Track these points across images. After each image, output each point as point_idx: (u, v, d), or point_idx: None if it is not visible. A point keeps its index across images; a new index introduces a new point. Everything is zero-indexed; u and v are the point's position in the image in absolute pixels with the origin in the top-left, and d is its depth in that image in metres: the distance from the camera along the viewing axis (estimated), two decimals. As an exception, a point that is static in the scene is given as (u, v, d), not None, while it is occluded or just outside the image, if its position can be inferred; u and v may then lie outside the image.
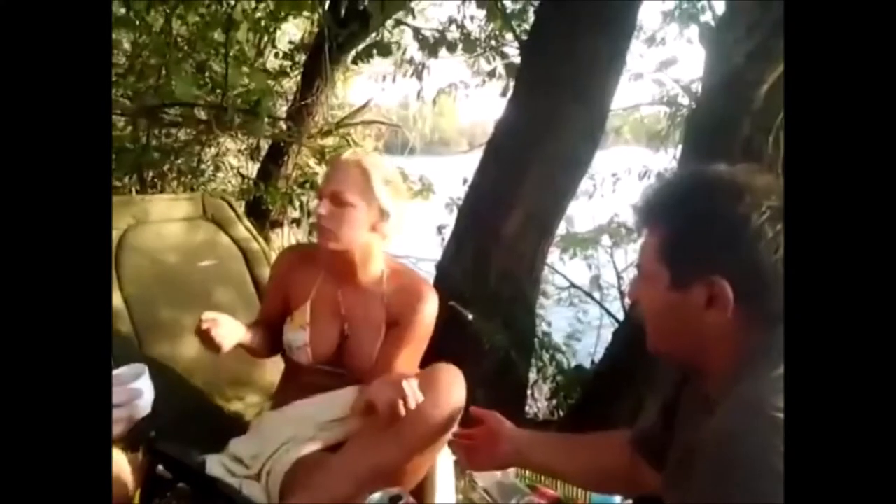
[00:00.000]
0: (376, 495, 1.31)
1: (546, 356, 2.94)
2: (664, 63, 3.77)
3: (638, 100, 4.16)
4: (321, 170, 4.27)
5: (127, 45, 4.19)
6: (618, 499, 1.61)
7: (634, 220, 1.02)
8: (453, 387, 1.36)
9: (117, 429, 0.98)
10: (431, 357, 1.58)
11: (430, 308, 1.54)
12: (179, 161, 4.24)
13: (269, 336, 1.56)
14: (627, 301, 3.17)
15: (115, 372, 1.00)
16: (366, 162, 1.47)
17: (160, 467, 1.58)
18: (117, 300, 1.75)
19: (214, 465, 1.41)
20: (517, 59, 3.59)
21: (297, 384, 1.53)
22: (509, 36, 3.90)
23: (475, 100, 5.10)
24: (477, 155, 2.89)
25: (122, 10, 3.75)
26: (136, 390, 1.00)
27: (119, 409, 0.98)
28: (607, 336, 2.84)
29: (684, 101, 3.66)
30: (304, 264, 1.55)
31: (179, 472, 1.56)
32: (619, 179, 3.78)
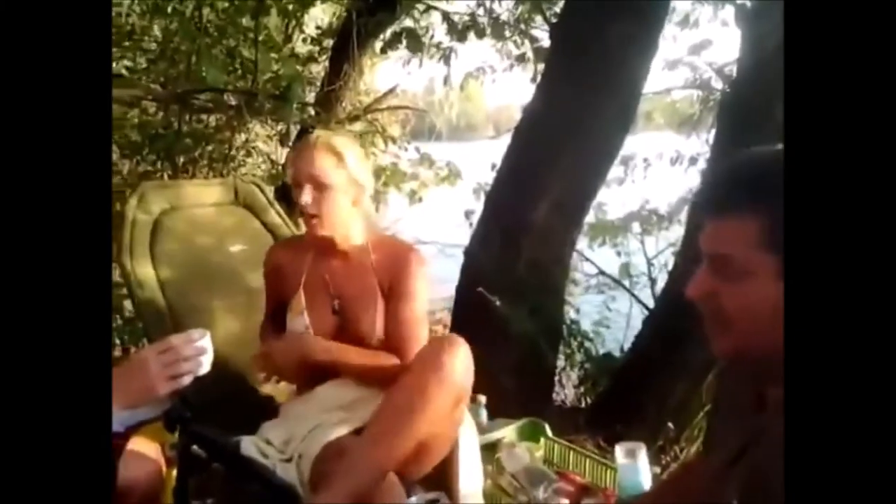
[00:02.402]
0: (413, 499, 1.33)
1: (574, 343, 2.94)
2: (697, 46, 3.68)
3: (669, 83, 4.08)
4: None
5: (158, 32, 4.24)
6: (647, 484, 1.60)
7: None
8: (459, 359, 1.35)
9: (184, 381, 1.10)
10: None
11: (419, 268, 1.58)
12: (210, 147, 4.29)
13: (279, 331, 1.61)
14: (657, 288, 3.14)
15: (185, 332, 1.13)
16: (335, 142, 1.53)
17: (195, 447, 1.61)
18: (152, 283, 1.78)
19: (249, 446, 1.43)
20: (547, 43, 3.55)
21: (317, 369, 1.55)
22: (539, 19, 3.84)
23: (502, 84, 5.05)
24: (504, 141, 2.87)
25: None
26: (201, 347, 1.11)
27: (186, 363, 1.09)
28: (637, 324, 2.82)
29: (717, 84, 3.58)
30: (291, 254, 1.60)
31: (214, 452, 1.59)
32: (651, 165, 3.72)
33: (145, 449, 1.29)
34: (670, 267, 2.89)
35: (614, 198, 3.58)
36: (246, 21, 3.94)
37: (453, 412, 1.40)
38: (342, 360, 1.50)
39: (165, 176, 4.06)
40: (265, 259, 1.65)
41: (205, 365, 1.12)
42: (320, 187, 1.49)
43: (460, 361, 1.35)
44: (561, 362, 2.92)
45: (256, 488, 1.43)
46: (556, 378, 2.88)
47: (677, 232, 3.32)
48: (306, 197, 1.48)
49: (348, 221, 1.55)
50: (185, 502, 1.72)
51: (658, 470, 1.88)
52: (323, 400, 1.50)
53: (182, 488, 1.51)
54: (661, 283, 3.08)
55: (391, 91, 4.66)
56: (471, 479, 1.52)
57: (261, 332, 1.66)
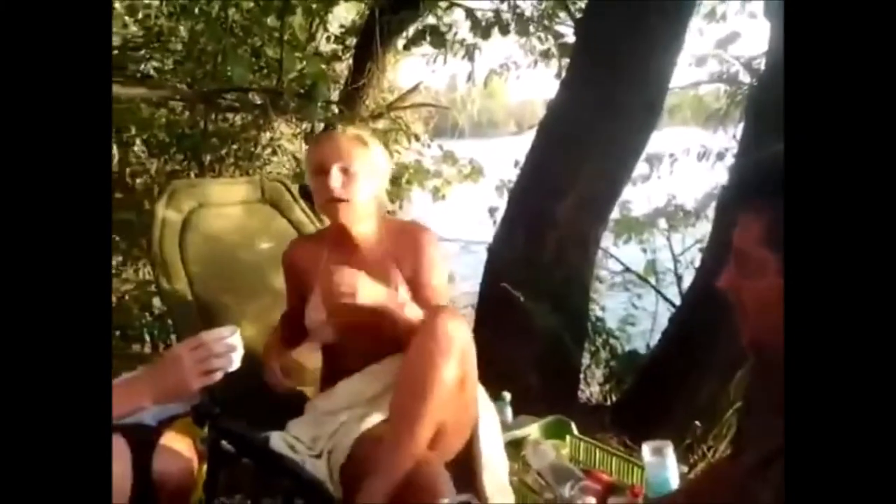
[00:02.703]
0: (445, 501, 1.34)
1: (599, 341, 2.92)
2: (725, 40, 3.63)
3: (696, 78, 4.03)
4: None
5: (184, 33, 4.29)
6: (675, 482, 1.59)
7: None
8: (454, 326, 1.35)
9: (215, 377, 1.14)
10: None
11: (433, 247, 1.61)
12: (236, 146, 4.33)
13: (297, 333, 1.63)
14: (684, 285, 3.10)
15: (216, 329, 1.17)
16: (361, 134, 1.57)
17: (224, 443, 1.64)
18: (182, 280, 1.81)
19: (278, 441, 1.45)
20: (571, 39, 3.53)
21: (337, 365, 1.57)
22: (563, 14, 3.82)
23: (526, 81, 5.03)
24: (527, 137, 2.86)
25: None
26: (231, 345, 1.15)
27: (218, 360, 1.13)
28: (663, 322, 2.79)
29: (745, 78, 3.52)
30: (308, 250, 1.62)
31: (244, 447, 1.61)
32: (677, 160, 3.68)
33: (178, 444, 1.31)
34: (697, 264, 2.86)
35: (640, 194, 3.55)
36: (271, 21, 3.97)
37: (462, 393, 1.39)
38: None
39: (192, 175, 4.11)
40: (284, 255, 1.67)
41: (235, 361, 1.15)
42: (348, 172, 1.50)
43: (457, 330, 1.35)
44: (586, 360, 2.91)
45: (286, 483, 1.45)
46: (581, 376, 2.86)
47: (704, 228, 3.28)
48: (335, 181, 1.49)
49: (370, 210, 1.57)
50: (215, 496, 1.75)
51: (686, 468, 1.86)
52: (347, 395, 1.51)
53: (212, 483, 1.53)
54: (687, 281, 3.04)
55: (414, 88, 4.67)
56: (496, 474, 1.52)
57: (279, 326, 1.69)
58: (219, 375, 1.14)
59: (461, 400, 1.40)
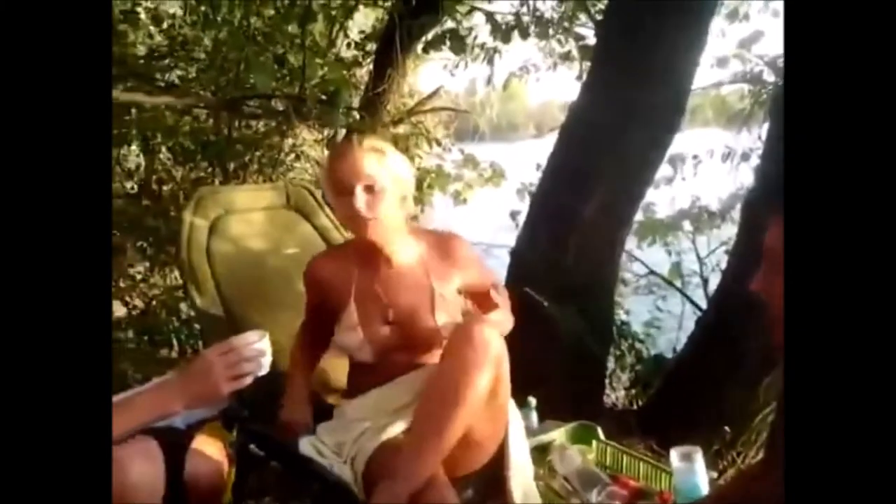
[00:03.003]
0: None
1: (625, 345, 2.89)
2: (748, 39, 3.59)
3: (718, 78, 3.99)
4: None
5: (208, 42, 4.36)
6: (704, 488, 1.57)
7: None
8: (487, 337, 1.33)
9: (245, 382, 1.15)
10: (507, 344, 1.58)
11: (469, 247, 1.62)
12: (259, 152, 4.38)
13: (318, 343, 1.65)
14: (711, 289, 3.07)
15: (245, 334, 1.17)
16: (376, 142, 1.52)
17: (253, 446, 1.65)
18: (209, 285, 1.84)
19: (306, 445, 1.46)
20: (592, 41, 3.51)
21: (366, 373, 1.55)
22: (583, 16, 3.81)
23: (546, 83, 5.02)
24: (548, 140, 2.85)
25: (203, 9, 3.91)
26: (261, 349, 1.16)
27: (248, 364, 1.14)
28: (689, 325, 2.76)
29: (769, 77, 3.47)
30: (336, 267, 1.56)
31: (272, 451, 1.63)
32: (701, 162, 3.64)
33: (208, 448, 1.33)
34: (723, 266, 2.82)
35: (664, 196, 3.52)
36: (292, 28, 4.01)
37: (493, 405, 1.38)
38: None
39: (217, 181, 4.17)
40: (306, 271, 1.60)
41: (265, 365, 1.16)
42: (371, 189, 1.45)
43: (491, 341, 1.33)
44: (611, 364, 2.89)
45: (314, 486, 1.46)
46: (607, 380, 2.84)
47: (729, 230, 3.24)
48: (361, 202, 1.44)
49: (397, 222, 1.53)
50: (244, 499, 1.77)
51: (715, 475, 1.84)
52: (377, 403, 1.50)
53: (240, 485, 1.55)
54: (713, 283, 3.01)
55: (435, 93, 4.68)
56: (523, 480, 1.51)
57: (298, 341, 1.66)
58: (249, 380, 1.15)
59: (493, 408, 1.38)
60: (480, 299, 1.58)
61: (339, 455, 1.43)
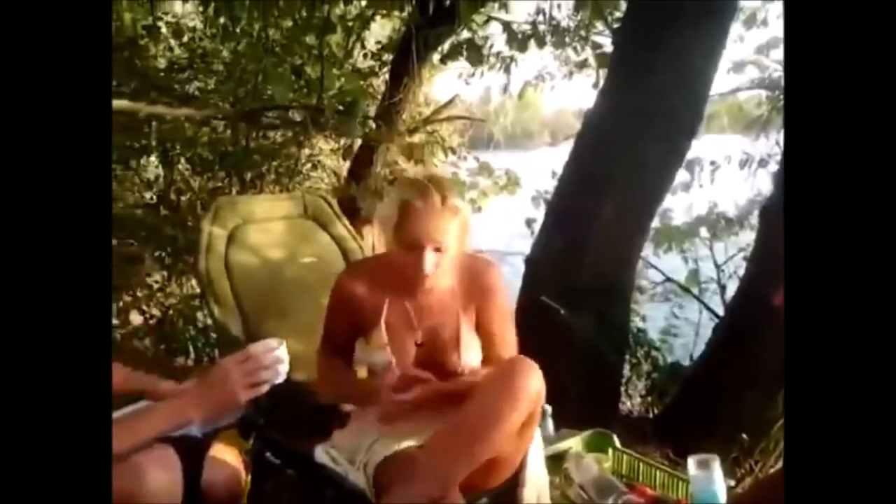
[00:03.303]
0: None
1: (641, 353, 2.88)
2: (765, 45, 3.57)
3: (735, 84, 3.97)
4: (409, 167, 4.34)
5: (227, 54, 4.43)
6: (722, 497, 1.55)
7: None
8: (530, 378, 1.33)
9: (262, 389, 1.15)
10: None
11: (500, 280, 1.56)
12: (276, 162, 4.43)
13: (337, 362, 1.59)
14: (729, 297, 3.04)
15: (262, 341, 1.18)
16: (456, 204, 1.43)
17: (269, 454, 1.67)
18: (227, 294, 1.86)
19: (321, 453, 1.46)
20: (609, 49, 3.51)
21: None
22: (600, 24, 3.81)
23: (561, 92, 5.02)
24: (563, 148, 2.85)
25: (223, 21, 3.97)
26: (278, 357, 1.16)
27: (266, 372, 1.14)
28: (706, 332, 2.74)
29: (787, 83, 3.45)
30: (369, 284, 1.52)
31: (287, 458, 1.64)
32: (718, 168, 3.62)
33: (226, 456, 1.34)
34: (740, 273, 2.80)
35: (681, 203, 3.50)
36: (310, 39, 4.06)
37: (523, 433, 1.39)
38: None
39: (234, 191, 4.21)
40: (337, 286, 1.56)
41: (282, 373, 1.17)
42: (440, 249, 1.42)
43: (533, 384, 1.33)
44: (627, 372, 2.87)
45: (329, 494, 1.46)
46: (623, 388, 2.82)
47: (747, 237, 3.21)
48: (429, 263, 1.41)
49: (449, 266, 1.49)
50: (260, 506, 1.77)
51: (732, 483, 1.82)
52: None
53: (256, 493, 1.56)
54: (730, 290, 2.98)
55: (450, 102, 4.71)
56: (537, 490, 1.50)
57: (323, 359, 1.61)
58: (266, 388, 1.16)
59: (520, 441, 1.40)
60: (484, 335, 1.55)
61: (352, 463, 1.44)
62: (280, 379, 1.17)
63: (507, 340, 1.56)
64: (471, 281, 1.53)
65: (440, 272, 1.46)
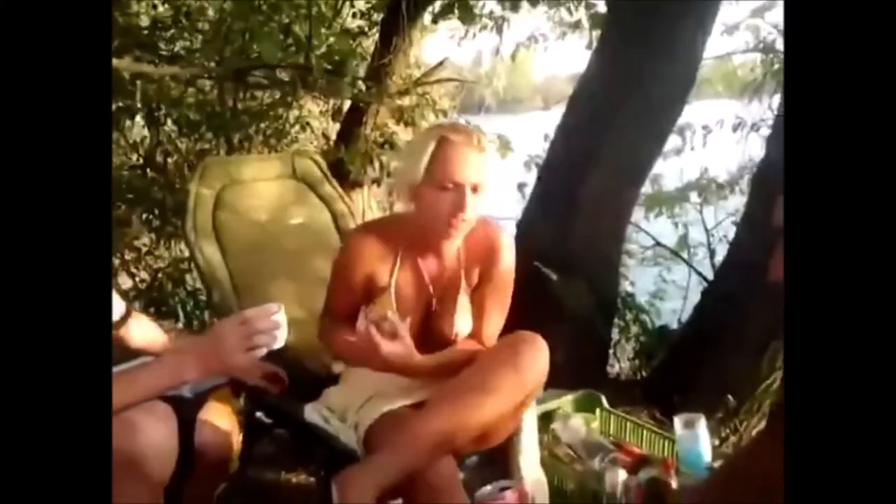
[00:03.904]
0: (487, 488, 1.34)
1: (629, 316, 2.90)
2: (761, 8, 3.53)
3: (729, 48, 3.93)
4: (399, 130, 4.29)
5: (212, 12, 4.31)
6: (707, 455, 1.58)
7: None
8: (537, 357, 1.34)
9: (259, 354, 1.14)
10: (513, 316, 1.58)
11: (510, 252, 1.51)
12: (264, 124, 4.36)
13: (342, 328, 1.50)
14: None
15: (260, 307, 1.16)
16: (483, 142, 1.40)
17: (260, 413, 1.68)
18: (216, 255, 1.84)
19: (312, 413, 1.47)
20: (602, 9, 3.46)
21: None
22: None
23: (554, 54, 4.94)
24: (555, 113, 2.82)
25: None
26: (276, 322, 1.14)
27: (262, 336, 1.13)
28: (694, 296, 2.77)
29: (782, 46, 3.42)
30: (381, 244, 1.46)
31: (278, 418, 1.65)
32: (711, 132, 3.60)
33: (217, 417, 1.35)
34: (730, 237, 2.81)
35: (672, 167, 3.49)
36: (298, -3, 3.96)
37: (521, 408, 1.40)
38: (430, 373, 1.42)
39: (221, 153, 4.15)
40: (351, 245, 1.50)
41: (280, 338, 1.15)
42: (476, 190, 1.36)
43: (538, 361, 1.34)
44: (615, 335, 2.90)
45: (320, 453, 1.48)
46: (611, 351, 2.85)
47: (737, 201, 3.22)
48: (469, 202, 1.34)
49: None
50: (250, 465, 1.79)
51: (717, 442, 1.86)
52: (389, 379, 1.45)
53: (247, 452, 1.57)
54: (720, 254, 3.00)
55: (441, 63, 4.63)
56: (529, 449, 1.52)
57: (328, 321, 1.53)
58: (262, 352, 1.14)
59: (518, 412, 1.40)
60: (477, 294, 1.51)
61: (344, 420, 1.44)
62: (278, 344, 1.16)
63: (496, 320, 1.52)
64: (481, 248, 1.49)
65: (473, 219, 1.39)
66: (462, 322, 1.49)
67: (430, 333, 1.48)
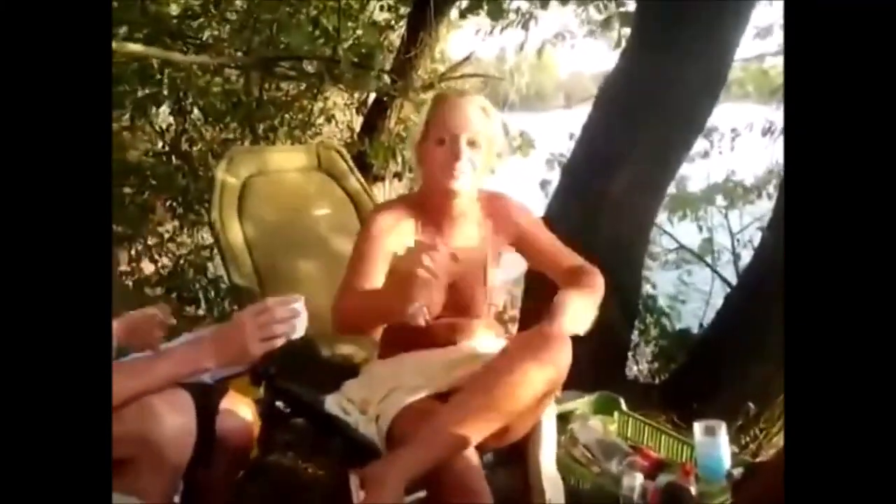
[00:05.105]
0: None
1: (650, 319, 2.87)
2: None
3: (761, 49, 3.86)
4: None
5: (241, 2, 4.34)
6: (727, 462, 1.56)
7: None
8: (562, 352, 1.35)
9: (277, 343, 1.15)
10: (532, 316, 1.58)
11: (532, 214, 1.62)
12: (289, 115, 4.39)
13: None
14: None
15: (280, 297, 1.17)
16: (485, 104, 1.48)
17: (279, 403, 1.69)
18: (240, 244, 1.85)
19: (332, 404, 1.47)
20: (632, 7, 3.42)
21: (402, 336, 1.52)
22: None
23: (580, 52, 4.90)
24: (578, 111, 2.79)
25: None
26: (295, 310, 1.15)
27: (281, 326, 1.14)
28: (717, 300, 2.73)
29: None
30: (399, 220, 1.50)
31: (298, 407, 1.66)
32: (739, 135, 3.55)
33: (239, 406, 1.36)
34: (755, 242, 2.78)
35: (698, 170, 3.45)
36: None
37: (542, 402, 1.40)
38: None
39: (246, 142, 4.19)
40: (371, 223, 1.51)
41: (299, 329, 1.16)
42: (473, 144, 1.43)
43: (563, 357, 1.34)
44: (635, 337, 2.87)
45: (338, 443, 1.49)
46: (630, 353, 2.83)
47: (764, 206, 3.17)
48: (463, 152, 1.41)
49: (477, 183, 1.50)
50: (269, 454, 1.81)
51: (737, 449, 1.83)
52: (406, 366, 1.48)
53: (266, 440, 1.59)
54: (745, 259, 2.96)
55: (467, 59, 4.62)
56: (547, 448, 1.52)
57: (346, 292, 1.47)
58: (280, 342, 1.15)
59: (539, 407, 1.41)
60: (535, 254, 1.60)
61: (364, 412, 1.44)
62: (297, 334, 1.16)
63: (566, 251, 1.62)
64: (500, 216, 1.56)
65: (472, 179, 1.45)
66: (494, 294, 1.55)
67: (459, 304, 1.49)
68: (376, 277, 1.42)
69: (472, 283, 1.51)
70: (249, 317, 1.14)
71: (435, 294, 1.24)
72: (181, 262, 4.11)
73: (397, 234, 1.46)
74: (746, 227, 3.26)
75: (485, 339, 1.55)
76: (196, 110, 4.44)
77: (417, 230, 1.49)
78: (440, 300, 1.35)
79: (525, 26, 4.08)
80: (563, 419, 1.79)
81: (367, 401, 1.46)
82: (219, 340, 1.16)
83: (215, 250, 2.38)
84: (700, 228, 3.43)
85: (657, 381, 2.81)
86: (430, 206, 1.51)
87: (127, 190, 4.07)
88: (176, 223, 4.30)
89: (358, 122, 4.61)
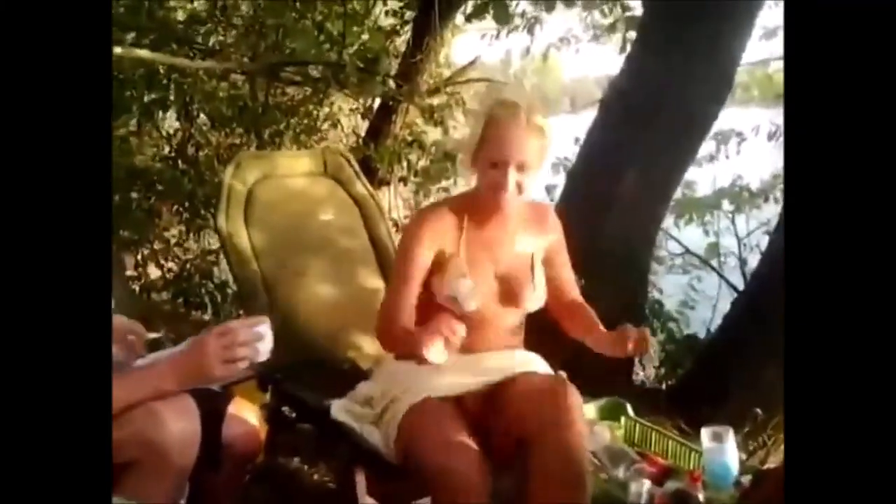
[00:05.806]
0: None
1: (656, 324, 2.86)
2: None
3: (767, 52, 3.86)
4: (429, 129, 4.29)
5: (247, 8, 4.35)
6: (735, 468, 1.55)
7: None
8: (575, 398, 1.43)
9: (241, 366, 1.13)
10: (540, 321, 1.58)
11: (561, 229, 1.63)
12: (295, 120, 4.39)
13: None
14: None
15: (244, 319, 1.17)
16: (542, 122, 1.45)
17: (286, 408, 1.69)
18: (247, 249, 1.86)
19: (338, 409, 1.47)
20: (638, 11, 3.42)
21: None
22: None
23: (583, 57, 4.90)
24: (583, 116, 2.79)
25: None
26: (258, 333, 1.13)
27: (243, 349, 1.12)
28: (724, 305, 2.72)
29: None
30: (445, 219, 1.51)
31: (304, 413, 1.66)
32: (745, 140, 3.54)
33: (244, 411, 1.35)
34: (762, 247, 2.77)
35: (705, 174, 3.44)
36: (332, -7, 3.98)
37: None
38: None
39: (252, 148, 4.19)
40: (418, 222, 1.54)
41: (262, 352, 1.14)
42: (523, 168, 1.42)
43: (577, 401, 1.43)
44: (642, 343, 2.86)
45: (344, 449, 1.48)
46: (636, 358, 2.82)
47: (770, 210, 3.16)
48: (511, 179, 1.41)
49: (528, 195, 1.51)
50: (275, 459, 1.81)
51: (745, 456, 1.82)
52: (421, 369, 1.43)
53: (272, 445, 1.59)
54: (751, 264, 2.95)
55: (472, 63, 4.62)
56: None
57: (395, 308, 1.48)
58: (243, 364, 1.13)
59: None
60: (553, 276, 1.60)
61: (373, 408, 1.44)
62: (261, 358, 1.14)
63: (574, 283, 1.65)
64: (543, 225, 1.59)
65: (521, 194, 1.46)
66: (539, 294, 1.55)
67: (509, 300, 1.52)
68: (420, 282, 1.49)
69: (520, 280, 1.53)
70: (212, 338, 1.11)
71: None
72: (187, 266, 4.12)
73: (445, 233, 1.51)
74: (753, 231, 3.25)
75: (504, 351, 1.54)
76: (202, 115, 4.45)
77: (463, 228, 1.52)
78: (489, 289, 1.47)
79: (530, 30, 4.09)
80: (570, 425, 1.78)
81: (377, 404, 1.45)
82: (178, 362, 1.14)
83: (222, 255, 2.38)
84: (706, 233, 3.42)
85: (664, 386, 2.80)
86: (478, 204, 1.52)
87: (133, 195, 4.08)
88: (182, 228, 4.30)
89: (363, 126, 4.61)
